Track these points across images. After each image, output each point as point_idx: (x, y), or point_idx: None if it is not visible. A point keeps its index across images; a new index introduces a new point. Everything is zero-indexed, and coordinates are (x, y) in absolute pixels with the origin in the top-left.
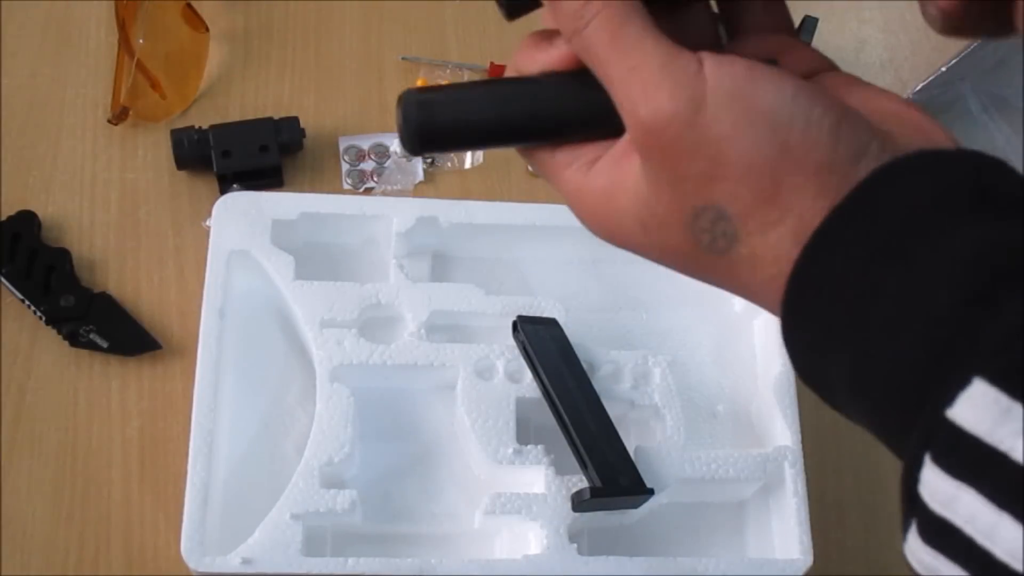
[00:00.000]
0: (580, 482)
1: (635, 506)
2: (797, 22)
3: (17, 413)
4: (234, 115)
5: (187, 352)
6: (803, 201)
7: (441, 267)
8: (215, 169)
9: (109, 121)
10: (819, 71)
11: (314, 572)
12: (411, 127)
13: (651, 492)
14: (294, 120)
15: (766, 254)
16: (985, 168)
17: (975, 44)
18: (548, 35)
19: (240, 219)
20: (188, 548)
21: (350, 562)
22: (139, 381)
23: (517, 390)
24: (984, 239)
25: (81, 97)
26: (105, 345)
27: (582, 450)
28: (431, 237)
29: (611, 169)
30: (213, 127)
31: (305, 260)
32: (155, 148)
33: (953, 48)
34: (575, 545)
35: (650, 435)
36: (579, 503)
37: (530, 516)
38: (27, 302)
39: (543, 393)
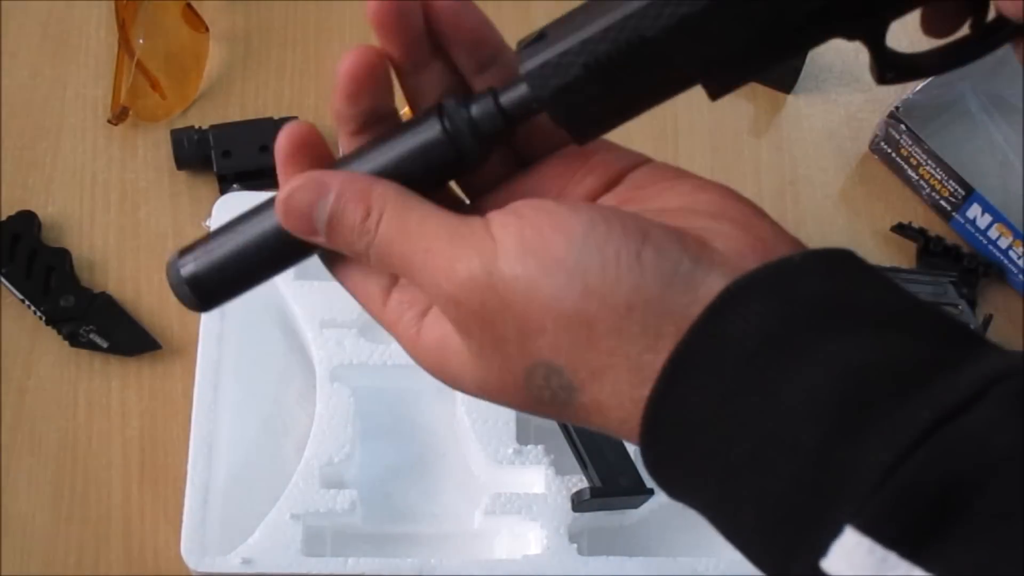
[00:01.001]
0: (580, 482)
1: (635, 506)
2: None
3: (17, 413)
4: (234, 115)
5: (187, 352)
6: (625, 342)
7: None
8: (215, 169)
9: (109, 121)
10: (632, 167)
11: (314, 572)
12: (187, 303)
13: (651, 492)
14: (294, 120)
15: (608, 400)
16: (830, 275)
17: None
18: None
19: None
20: (188, 548)
21: (350, 562)
22: (139, 381)
23: None
24: (839, 363)
25: (81, 97)
26: (105, 345)
27: (582, 450)
28: None
29: (441, 324)
30: (213, 127)
31: (305, 260)
32: (155, 148)
33: None
34: (575, 545)
35: None
36: (579, 503)
37: (530, 516)
38: (27, 302)
39: None
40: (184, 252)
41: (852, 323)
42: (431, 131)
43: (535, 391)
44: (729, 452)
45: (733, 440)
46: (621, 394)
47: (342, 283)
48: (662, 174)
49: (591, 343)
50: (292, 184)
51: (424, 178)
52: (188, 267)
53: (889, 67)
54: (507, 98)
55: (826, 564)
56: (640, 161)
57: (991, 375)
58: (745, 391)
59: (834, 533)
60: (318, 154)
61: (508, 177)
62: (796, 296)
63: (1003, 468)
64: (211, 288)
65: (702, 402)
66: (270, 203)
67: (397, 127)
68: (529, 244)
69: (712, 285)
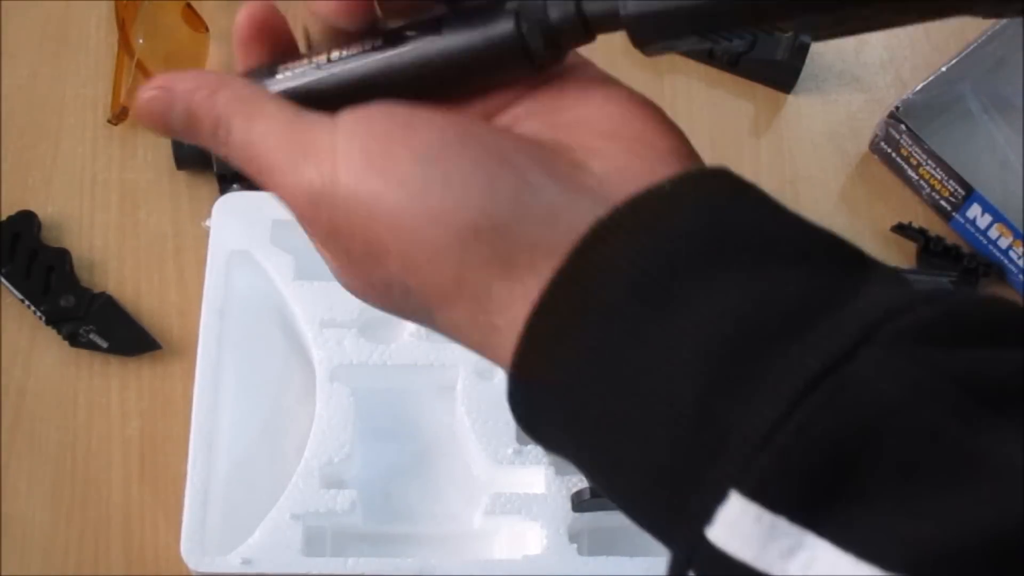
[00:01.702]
0: (580, 482)
1: None
2: None
3: (17, 413)
4: None
5: (187, 352)
6: (470, 270)
7: None
8: (215, 169)
9: (109, 121)
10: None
11: (314, 572)
12: None
13: None
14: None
15: (463, 324)
16: (704, 204)
17: (975, 44)
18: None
19: (240, 219)
20: (188, 548)
21: (350, 562)
22: (139, 381)
23: None
24: (715, 309)
25: (81, 97)
26: (105, 345)
27: None
28: None
29: None
30: None
31: (305, 260)
32: (155, 148)
33: (953, 48)
34: (575, 545)
35: None
36: (579, 503)
37: (530, 516)
38: (27, 302)
39: None
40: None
41: (728, 260)
42: (500, 26)
43: (397, 303)
44: (601, 413)
45: (605, 400)
46: (475, 320)
47: None
48: (589, 79)
49: (436, 268)
50: (144, 92)
51: (466, 80)
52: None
53: None
54: (592, 6)
55: (712, 534)
56: (577, 63)
57: (879, 314)
58: (614, 345)
59: (719, 499)
60: (280, 39)
61: None
62: (666, 234)
63: (896, 419)
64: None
65: (568, 361)
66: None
67: (451, 15)
68: (373, 158)
69: (576, 216)
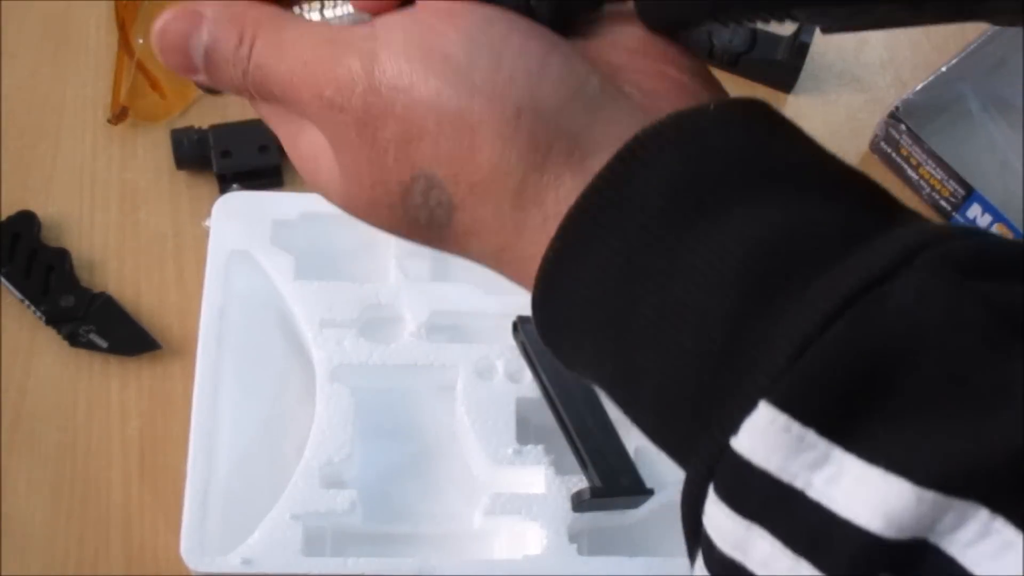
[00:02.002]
0: (580, 482)
1: (635, 506)
2: None
3: (17, 413)
4: (234, 115)
5: (187, 352)
6: (509, 154)
7: (441, 267)
8: (215, 169)
9: (109, 121)
10: None
11: (314, 572)
12: None
13: (651, 492)
14: None
15: (488, 221)
16: (748, 127)
17: (975, 44)
18: None
19: (240, 219)
20: (188, 548)
21: (350, 562)
22: (139, 381)
23: (517, 390)
24: (754, 225)
25: (81, 97)
26: (105, 345)
27: (582, 450)
28: None
29: (313, 135)
30: (213, 127)
31: (305, 260)
32: (155, 148)
33: (953, 48)
34: (575, 545)
35: None
36: (579, 503)
37: (530, 516)
38: (27, 302)
39: (543, 393)
40: None
41: (770, 181)
42: None
43: (412, 210)
44: (630, 319)
45: (635, 306)
46: (502, 215)
47: None
48: (606, 9)
49: (473, 150)
50: (165, 16)
51: None
52: None
53: None
54: None
55: (737, 443)
56: None
57: (917, 241)
58: (650, 253)
59: (746, 409)
60: None
61: None
62: (710, 149)
63: (930, 340)
64: None
65: (602, 264)
66: None
67: None
68: (415, 38)
69: (618, 114)
